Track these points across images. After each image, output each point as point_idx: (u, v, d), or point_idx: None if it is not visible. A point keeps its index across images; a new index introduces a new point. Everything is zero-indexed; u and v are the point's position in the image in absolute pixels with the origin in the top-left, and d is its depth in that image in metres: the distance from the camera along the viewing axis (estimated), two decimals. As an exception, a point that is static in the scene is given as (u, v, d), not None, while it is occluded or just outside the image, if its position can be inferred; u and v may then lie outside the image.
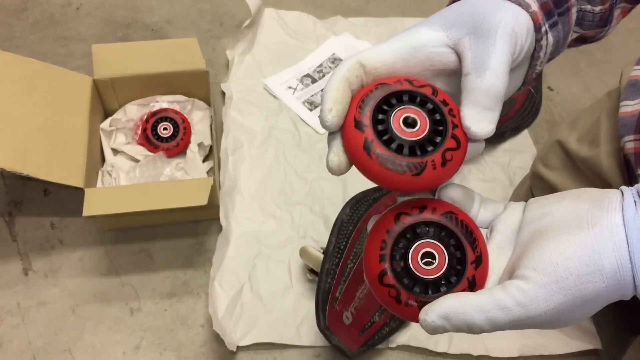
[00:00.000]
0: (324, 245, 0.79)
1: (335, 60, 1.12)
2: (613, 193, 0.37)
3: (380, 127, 0.36)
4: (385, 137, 0.36)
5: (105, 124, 0.96)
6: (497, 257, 0.39)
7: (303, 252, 0.81)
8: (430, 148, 0.36)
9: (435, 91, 0.38)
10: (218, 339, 0.78)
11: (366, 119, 0.36)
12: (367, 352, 0.78)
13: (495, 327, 0.35)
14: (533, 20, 0.40)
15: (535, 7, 0.40)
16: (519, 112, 1.05)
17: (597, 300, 0.35)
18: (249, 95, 1.05)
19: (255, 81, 1.08)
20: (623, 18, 0.52)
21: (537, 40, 0.41)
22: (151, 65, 0.95)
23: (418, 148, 0.36)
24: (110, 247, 0.88)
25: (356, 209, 0.81)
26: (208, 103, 1.00)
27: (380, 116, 0.37)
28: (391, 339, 0.79)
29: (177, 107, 0.98)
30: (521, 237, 0.39)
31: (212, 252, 0.87)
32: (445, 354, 0.79)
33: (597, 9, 0.48)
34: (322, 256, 0.78)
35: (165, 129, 0.94)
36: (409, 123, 0.36)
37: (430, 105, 0.37)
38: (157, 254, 0.88)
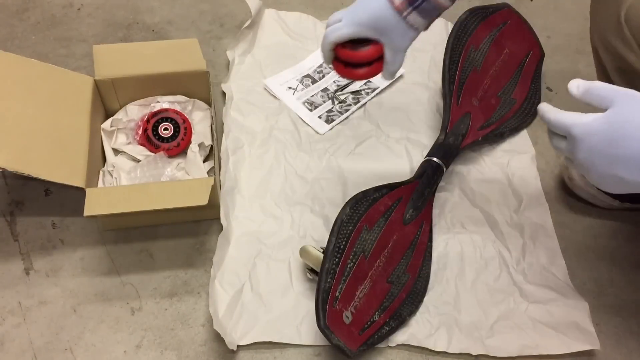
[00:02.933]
0: (324, 245, 0.79)
1: (336, 61, 1.13)
2: None
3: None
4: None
5: (106, 124, 0.96)
6: None
7: (303, 252, 0.82)
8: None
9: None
10: (218, 338, 0.79)
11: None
12: (367, 351, 0.78)
13: None
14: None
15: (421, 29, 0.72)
16: (518, 112, 1.05)
17: None
18: (250, 96, 1.05)
19: (256, 81, 1.08)
20: None
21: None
22: (152, 66, 0.96)
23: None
24: (111, 247, 0.88)
25: (356, 209, 0.82)
26: (209, 103, 1.01)
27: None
28: (391, 338, 0.80)
29: (177, 108, 0.98)
30: None
31: (212, 252, 0.87)
32: (444, 354, 0.79)
33: None
34: (322, 256, 0.78)
35: (166, 129, 0.95)
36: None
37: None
38: (158, 254, 0.88)
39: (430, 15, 0.70)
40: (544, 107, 0.59)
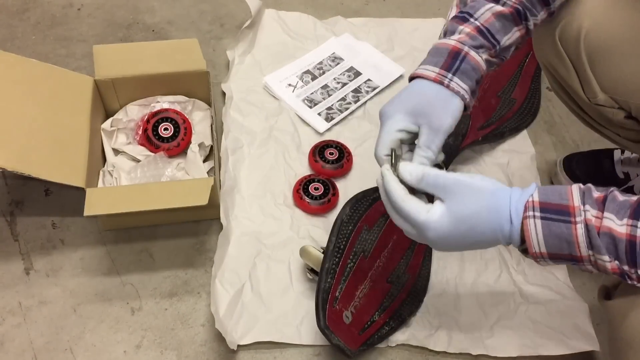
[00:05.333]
0: (324, 245, 0.79)
1: (336, 59, 1.13)
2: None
3: None
4: None
5: (107, 124, 0.96)
6: None
7: (303, 252, 0.82)
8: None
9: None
10: (218, 338, 0.79)
11: None
12: (367, 351, 0.78)
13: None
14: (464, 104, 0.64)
15: (466, 95, 0.64)
16: (517, 112, 1.05)
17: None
18: (249, 96, 1.05)
19: (256, 81, 1.08)
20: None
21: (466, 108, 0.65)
22: (152, 66, 0.96)
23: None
24: (112, 247, 0.88)
25: (356, 209, 0.82)
26: (209, 103, 1.01)
27: None
28: (391, 338, 0.80)
29: (177, 108, 0.98)
30: None
31: (212, 252, 0.87)
32: (444, 353, 0.79)
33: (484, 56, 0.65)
34: (322, 256, 0.78)
35: (166, 129, 0.95)
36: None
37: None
38: (158, 254, 0.88)
39: (470, 76, 0.64)
40: (389, 185, 0.58)
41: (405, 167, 0.58)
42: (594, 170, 0.94)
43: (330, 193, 0.92)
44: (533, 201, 0.53)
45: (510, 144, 1.03)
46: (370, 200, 0.84)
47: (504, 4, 0.65)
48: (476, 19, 0.65)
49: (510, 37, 0.66)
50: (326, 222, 0.90)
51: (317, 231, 0.89)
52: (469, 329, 0.81)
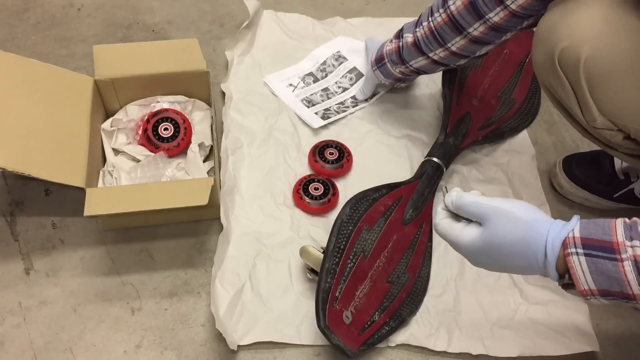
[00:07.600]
0: (324, 245, 0.79)
1: (340, 58, 1.12)
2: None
3: None
4: None
5: (107, 124, 0.96)
6: None
7: (303, 252, 0.82)
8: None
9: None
10: (218, 338, 0.79)
11: None
12: (367, 351, 0.78)
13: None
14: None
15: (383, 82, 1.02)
16: (518, 112, 1.05)
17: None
18: (249, 96, 1.05)
19: (255, 81, 1.08)
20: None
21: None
22: (152, 66, 0.96)
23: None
24: (112, 247, 0.88)
25: (356, 209, 0.82)
26: (209, 103, 1.01)
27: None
28: (391, 338, 0.80)
29: (177, 108, 0.98)
30: None
31: (212, 252, 0.87)
32: (444, 353, 0.79)
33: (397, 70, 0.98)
34: (322, 256, 0.78)
35: (166, 129, 0.95)
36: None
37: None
38: (158, 254, 0.88)
39: (387, 76, 0.99)
40: (440, 222, 0.63)
41: (447, 196, 0.63)
42: (594, 170, 0.94)
43: (330, 193, 0.92)
44: (574, 237, 0.52)
45: (510, 144, 1.03)
46: (370, 200, 0.84)
47: (413, 34, 0.89)
48: (403, 38, 0.91)
49: (417, 61, 0.92)
50: (326, 222, 0.90)
51: (317, 231, 0.89)
52: (469, 329, 0.81)
